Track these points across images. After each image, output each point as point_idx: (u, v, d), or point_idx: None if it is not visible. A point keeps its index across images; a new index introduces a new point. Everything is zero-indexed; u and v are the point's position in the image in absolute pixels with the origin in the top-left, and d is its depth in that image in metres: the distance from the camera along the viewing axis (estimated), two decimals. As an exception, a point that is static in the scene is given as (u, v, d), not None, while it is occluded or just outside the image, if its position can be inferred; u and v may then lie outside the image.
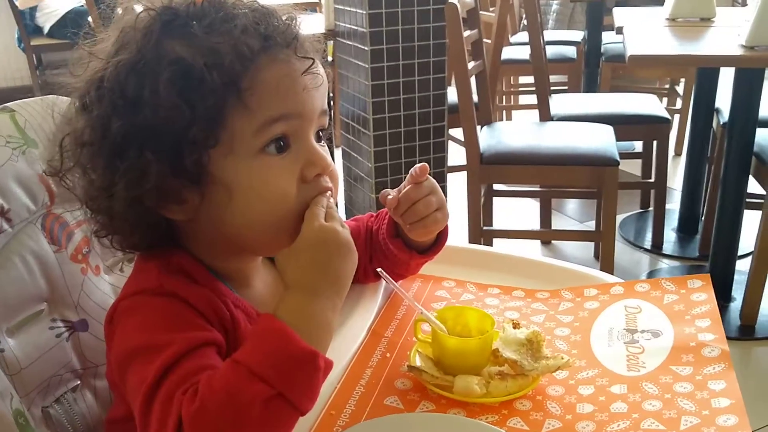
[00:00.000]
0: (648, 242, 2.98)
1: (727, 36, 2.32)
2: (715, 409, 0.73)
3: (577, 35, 4.21)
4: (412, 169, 0.87)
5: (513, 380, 0.80)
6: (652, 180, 3.01)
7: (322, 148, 0.76)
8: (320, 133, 0.76)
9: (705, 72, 2.83)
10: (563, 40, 4.08)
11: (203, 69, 0.66)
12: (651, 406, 0.76)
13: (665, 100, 4.20)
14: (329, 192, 0.74)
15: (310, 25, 2.80)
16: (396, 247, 0.93)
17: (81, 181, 0.73)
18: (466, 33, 2.42)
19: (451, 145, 2.91)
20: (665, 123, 2.80)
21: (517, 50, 3.81)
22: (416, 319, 0.88)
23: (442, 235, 0.94)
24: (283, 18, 0.73)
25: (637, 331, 0.89)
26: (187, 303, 0.70)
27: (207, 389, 0.60)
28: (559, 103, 2.99)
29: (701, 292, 0.93)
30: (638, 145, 3.44)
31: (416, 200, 0.86)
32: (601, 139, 2.44)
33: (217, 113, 0.68)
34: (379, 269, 0.89)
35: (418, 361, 0.85)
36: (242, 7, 0.72)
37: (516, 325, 0.87)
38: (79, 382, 0.89)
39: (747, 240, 2.57)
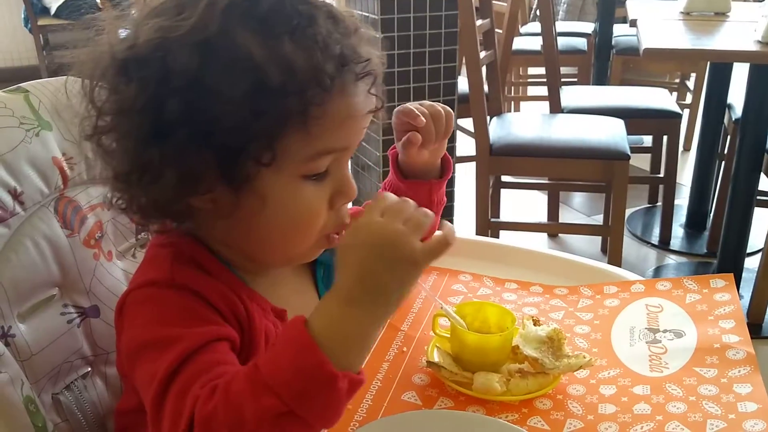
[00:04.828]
0: (656, 237, 2.96)
1: (742, 31, 2.29)
2: (742, 413, 0.72)
3: (588, 27, 4.17)
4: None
5: (533, 378, 0.79)
6: (661, 175, 2.99)
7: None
8: None
9: (718, 67, 2.80)
10: (573, 31, 4.04)
11: (280, 86, 0.62)
12: (675, 409, 0.74)
13: (675, 94, 4.17)
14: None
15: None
16: (409, 186, 0.89)
17: (112, 148, 0.68)
18: (479, 22, 2.39)
19: (459, 135, 2.88)
20: (676, 117, 2.77)
21: (527, 41, 3.77)
22: (435, 314, 0.87)
23: (446, 158, 0.91)
24: (363, 42, 0.70)
25: (659, 330, 0.87)
26: (200, 296, 0.68)
27: (224, 391, 0.58)
28: (570, 95, 2.97)
29: (724, 292, 0.91)
30: (647, 140, 3.42)
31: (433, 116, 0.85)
32: (612, 133, 2.42)
33: (279, 133, 0.64)
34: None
35: (436, 357, 0.84)
36: (322, 6, 0.67)
37: (536, 322, 0.85)
38: (89, 369, 0.87)
39: (755, 237, 2.55)
